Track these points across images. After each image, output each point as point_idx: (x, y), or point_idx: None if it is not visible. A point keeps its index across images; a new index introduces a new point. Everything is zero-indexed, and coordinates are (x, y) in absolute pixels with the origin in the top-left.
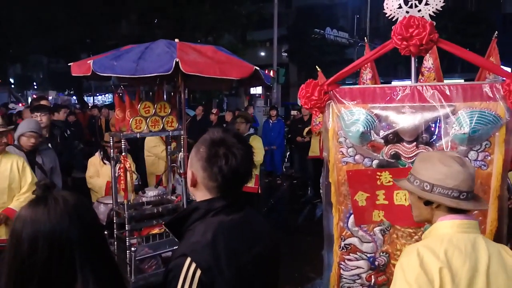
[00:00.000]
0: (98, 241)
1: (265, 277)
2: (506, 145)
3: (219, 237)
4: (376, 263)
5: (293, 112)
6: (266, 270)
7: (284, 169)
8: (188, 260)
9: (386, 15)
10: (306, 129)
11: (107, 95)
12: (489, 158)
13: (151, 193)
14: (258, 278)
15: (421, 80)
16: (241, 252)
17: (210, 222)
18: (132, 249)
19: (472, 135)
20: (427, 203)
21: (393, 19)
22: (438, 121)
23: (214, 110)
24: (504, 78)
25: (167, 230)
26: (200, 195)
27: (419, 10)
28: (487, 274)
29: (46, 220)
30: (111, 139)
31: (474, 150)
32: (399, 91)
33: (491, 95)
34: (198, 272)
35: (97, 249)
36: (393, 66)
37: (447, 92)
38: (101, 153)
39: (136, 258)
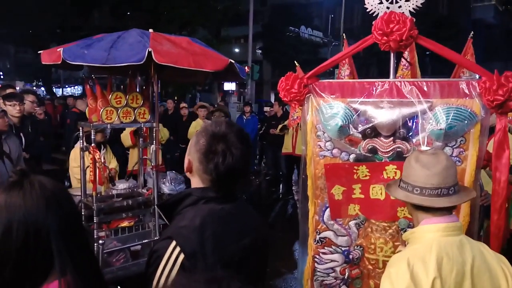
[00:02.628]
0: (76, 227)
1: (252, 269)
2: (480, 142)
3: (207, 223)
4: (351, 256)
5: (266, 109)
6: (253, 262)
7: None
8: (173, 243)
9: (367, 10)
10: (280, 126)
11: (76, 86)
12: (464, 154)
13: (121, 186)
14: (244, 269)
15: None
16: (229, 241)
17: (200, 209)
18: (100, 242)
19: (448, 131)
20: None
21: (372, 15)
22: (416, 116)
23: (185, 105)
24: (479, 76)
25: (159, 211)
26: (195, 181)
27: (400, 6)
28: (471, 276)
29: (22, 204)
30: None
31: (449, 146)
32: (378, 86)
33: (467, 92)
34: (181, 257)
35: (74, 235)
36: (365, 67)
37: (425, 88)
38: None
39: (104, 251)
